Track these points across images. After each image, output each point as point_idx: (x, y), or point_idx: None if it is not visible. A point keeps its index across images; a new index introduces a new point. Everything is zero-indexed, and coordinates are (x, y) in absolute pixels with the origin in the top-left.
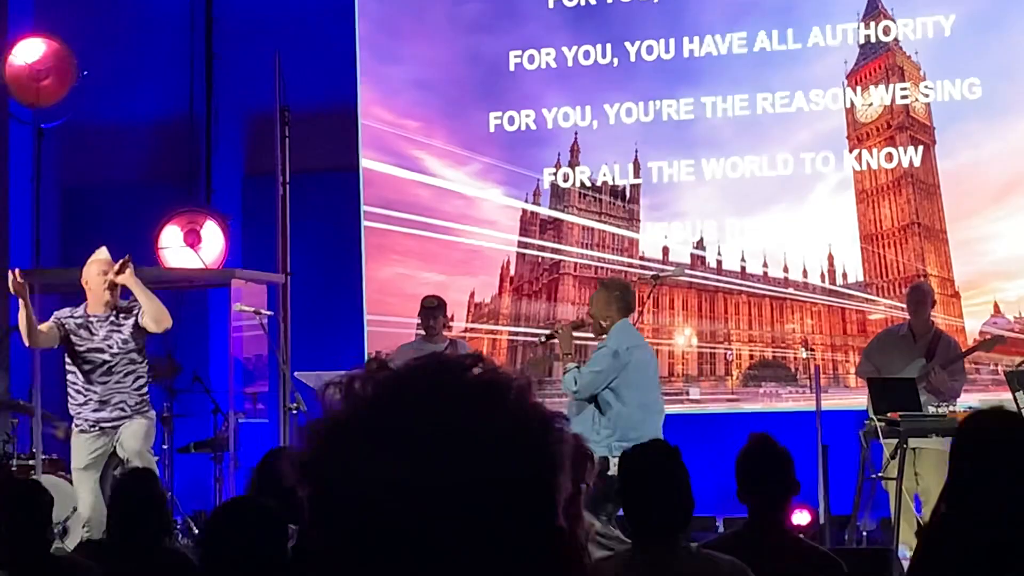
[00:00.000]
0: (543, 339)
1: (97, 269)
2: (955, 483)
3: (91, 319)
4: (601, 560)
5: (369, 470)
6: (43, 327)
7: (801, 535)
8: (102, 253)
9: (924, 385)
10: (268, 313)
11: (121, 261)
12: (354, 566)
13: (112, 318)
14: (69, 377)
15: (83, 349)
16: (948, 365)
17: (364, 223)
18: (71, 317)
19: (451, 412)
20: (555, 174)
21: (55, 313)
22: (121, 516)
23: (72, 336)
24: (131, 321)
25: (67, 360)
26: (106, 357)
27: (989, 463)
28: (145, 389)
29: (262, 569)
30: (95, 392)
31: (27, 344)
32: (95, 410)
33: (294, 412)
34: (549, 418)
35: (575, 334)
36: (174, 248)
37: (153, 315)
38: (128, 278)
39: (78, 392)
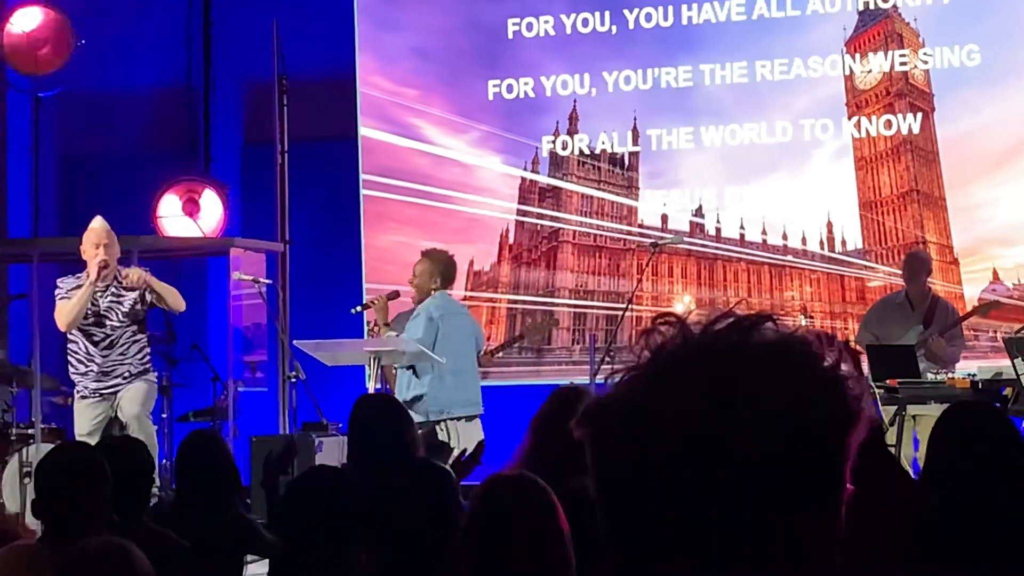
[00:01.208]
0: (358, 309)
1: (89, 240)
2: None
3: (95, 290)
4: None
5: (673, 421)
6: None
7: None
8: (96, 222)
9: (922, 352)
10: (267, 282)
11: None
12: (635, 513)
13: (113, 288)
14: (71, 346)
15: (87, 322)
16: (945, 332)
17: (363, 191)
18: (76, 288)
19: (755, 365)
20: (554, 142)
21: (59, 283)
22: (190, 478)
23: None
24: (134, 295)
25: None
26: (107, 331)
27: (965, 461)
28: (147, 356)
29: (338, 534)
30: (96, 363)
31: (64, 328)
32: (96, 380)
33: (293, 381)
34: (848, 379)
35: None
36: (173, 217)
37: (173, 307)
38: (150, 282)
39: (79, 362)
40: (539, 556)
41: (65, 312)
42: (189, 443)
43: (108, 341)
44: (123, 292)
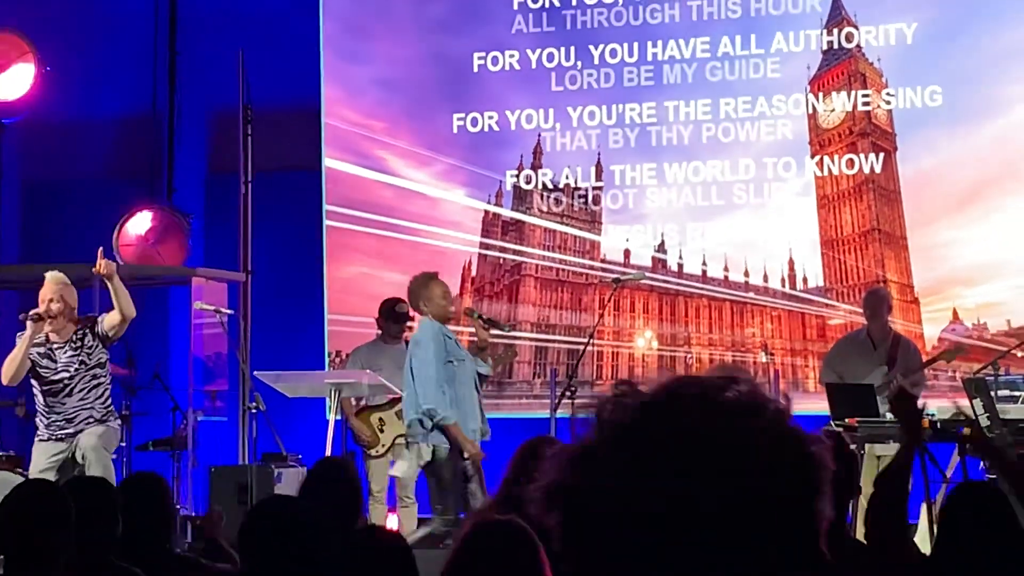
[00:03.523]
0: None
1: (41, 295)
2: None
3: (52, 346)
4: None
5: (620, 494)
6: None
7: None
8: (48, 276)
9: (886, 394)
10: (228, 312)
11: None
12: None
13: (71, 341)
14: (36, 397)
15: (47, 378)
16: (910, 375)
17: (326, 222)
18: (35, 346)
19: (705, 434)
20: (517, 176)
21: (18, 337)
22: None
23: (37, 367)
24: (88, 338)
25: (32, 381)
26: (66, 380)
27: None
28: (108, 400)
29: (298, 568)
30: (59, 413)
31: (5, 383)
32: (61, 427)
33: (253, 411)
34: (808, 440)
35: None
36: (135, 245)
37: (124, 309)
38: (112, 277)
39: (41, 413)
40: None
41: (3, 368)
42: (131, 483)
43: (67, 389)
44: (77, 343)
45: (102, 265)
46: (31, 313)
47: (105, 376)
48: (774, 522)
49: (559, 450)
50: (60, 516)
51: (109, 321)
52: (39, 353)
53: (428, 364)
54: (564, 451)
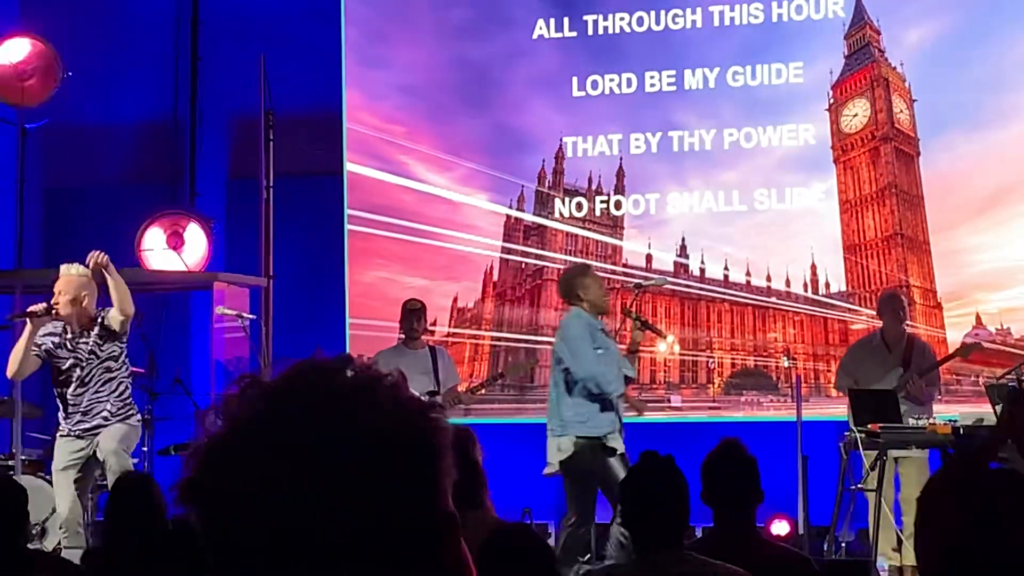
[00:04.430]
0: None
1: (55, 288)
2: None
3: (67, 336)
4: (608, 569)
5: (251, 485)
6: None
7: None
8: (61, 269)
9: (903, 395)
10: (250, 316)
11: (98, 260)
12: None
13: (84, 333)
14: (55, 390)
15: (60, 368)
16: (925, 374)
17: (348, 227)
18: (50, 335)
19: (325, 417)
20: (539, 181)
21: (39, 332)
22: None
23: (53, 357)
24: (96, 331)
25: (52, 374)
26: (77, 371)
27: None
28: (127, 395)
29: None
30: (76, 405)
31: (10, 376)
32: (79, 422)
33: None
34: (424, 409)
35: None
36: (157, 250)
37: (121, 303)
38: (109, 269)
39: (61, 407)
40: None
41: (8, 362)
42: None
43: (79, 380)
44: (89, 333)
45: (94, 258)
46: (29, 310)
47: (120, 370)
48: (397, 493)
49: (191, 446)
50: None
51: (112, 317)
52: (55, 343)
53: (583, 340)
54: (195, 447)
